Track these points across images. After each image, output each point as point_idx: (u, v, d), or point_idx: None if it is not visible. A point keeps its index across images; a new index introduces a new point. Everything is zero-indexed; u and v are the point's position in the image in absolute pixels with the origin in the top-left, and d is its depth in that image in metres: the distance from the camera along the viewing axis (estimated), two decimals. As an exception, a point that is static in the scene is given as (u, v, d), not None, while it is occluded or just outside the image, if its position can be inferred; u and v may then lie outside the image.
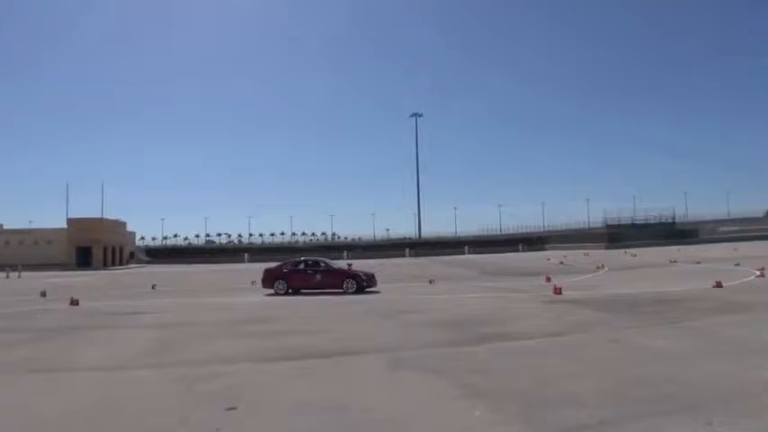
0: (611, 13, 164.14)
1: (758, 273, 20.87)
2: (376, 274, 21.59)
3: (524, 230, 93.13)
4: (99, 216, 66.88)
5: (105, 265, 62.92)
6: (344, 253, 75.49)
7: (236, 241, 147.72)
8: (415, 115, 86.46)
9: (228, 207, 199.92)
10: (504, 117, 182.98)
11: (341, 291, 19.65)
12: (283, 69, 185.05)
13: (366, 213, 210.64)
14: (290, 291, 20.11)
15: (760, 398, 5.52)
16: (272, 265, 23.16)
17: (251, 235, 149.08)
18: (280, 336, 10.81)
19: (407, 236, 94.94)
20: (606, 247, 62.16)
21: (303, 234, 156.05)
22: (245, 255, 75.27)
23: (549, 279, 22.23)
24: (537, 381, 6.48)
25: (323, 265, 21.32)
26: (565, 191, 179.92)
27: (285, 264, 22.12)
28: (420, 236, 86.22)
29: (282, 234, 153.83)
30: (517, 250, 73.02)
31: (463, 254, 70.63)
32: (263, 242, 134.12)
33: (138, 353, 9.31)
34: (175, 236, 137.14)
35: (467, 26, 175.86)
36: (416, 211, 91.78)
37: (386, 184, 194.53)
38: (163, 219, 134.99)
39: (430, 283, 23.99)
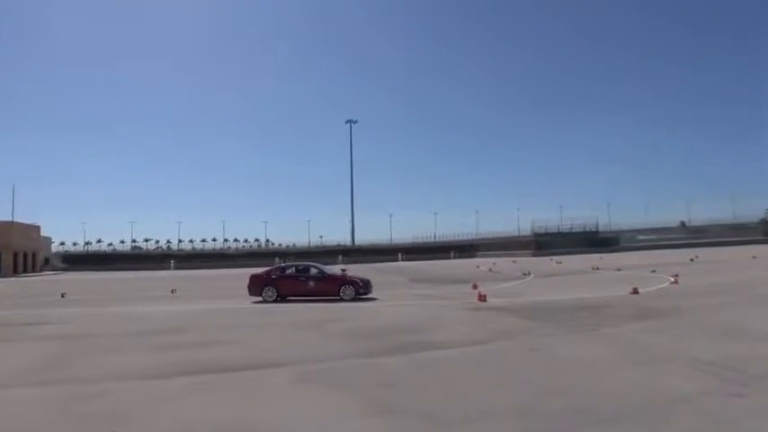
0: (546, 25, 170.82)
1: (672, 279, 21.62)
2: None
3: (458, 238, 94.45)
4: (9, 219, 61.86)
5: (16, 272, 58.25)
6: (276, 260, 73.84)
7: (164, 247, 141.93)
8: (350, 122, 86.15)
9: (157, 211, 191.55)
10: (439, 125, 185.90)
11: (336, 298, 18.60)
12: (215, 71, 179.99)
13: (302, 220, 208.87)
14: (279, 298, 18.94)
15: (675, 407, 5.31)
16: (259, 270, 21.78)
17: (180, 241, 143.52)
18: (187, 348, 10.05)
19: (342, 243, 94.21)
20: (533, 255, 64.02)
21: (236, 240, 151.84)
22: (171, 262, 72.23)
23: (475, 286, 22.07)
24: (449, 394, 6.16)
25: (315, 270, 20.02)
26: (497, 200, 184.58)
27: (274, 269, 20.90)
28: (354, 243, 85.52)
29: (214, 240, 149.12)
30: (449, 257, 73.83)
31: (396, 261, 70.64)
32: (193, 248, 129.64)
33: (23, 369, 8.43)
34: (99, 241, 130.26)
35: (411, 32, 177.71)
36: (351, 218, 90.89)
37: (323, 190, 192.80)
38: (84, 223, 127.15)
39: None
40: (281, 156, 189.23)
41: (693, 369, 6.88)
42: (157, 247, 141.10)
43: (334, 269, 24.10)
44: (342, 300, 18.42)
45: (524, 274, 31.28)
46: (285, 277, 19.72)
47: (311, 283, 19.30)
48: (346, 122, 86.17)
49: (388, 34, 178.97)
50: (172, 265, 70.40)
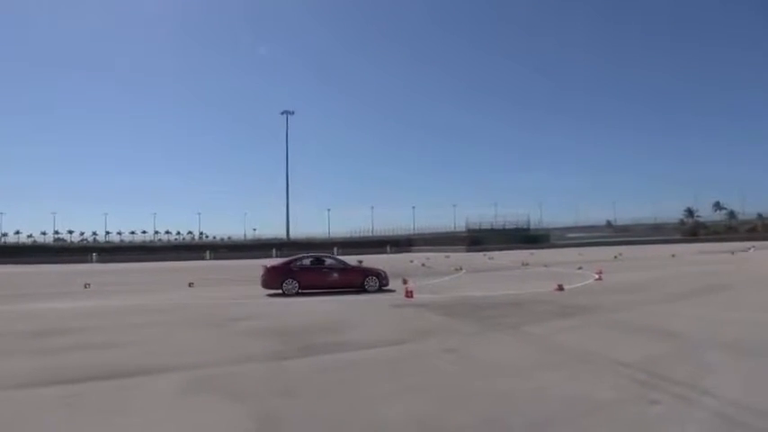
0: (498, 21, 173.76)
1: (597, 276, 21.88)
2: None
3: (395, 233, 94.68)
4: None
5: None
6: (207, 253, 71.22)
7: (90, 239, 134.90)
8: (286, 113, 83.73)
9: (84, 203, 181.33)
10: (380, 120, 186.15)
11: (359, 290, 18.39)
12: (148, 60, 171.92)
13: (239, 213, 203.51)
14: (301, 290, 18.12)
15: (591, 417, 4.77)
16: (276, 262, 21.18)
17: (108, 233, 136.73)
18: (78, 351, 8.93)
19: (279, 236, 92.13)
20: (467, 250, 64.80)
21: (167, 233, 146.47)
22: (93, 255, 68.19)
23: (405, 281, 21.60)
24: (349, 403, 5.52)
25: (335, 262, 19.80)
26: (436, 196, 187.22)
27: (294, 261, 19.73)
28: (289, 236, 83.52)
29: (144, 232, 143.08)
30: (385, 252, 73.63)
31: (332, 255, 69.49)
32: (121, 240, 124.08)
33: None
34: (17, 233, 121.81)
35: (355, 24, 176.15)
36: (286, 211, 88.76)
37: (261, 183, 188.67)
38: (2, 213, 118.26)
39: None
40: (217, 147, 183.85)
41: (613, 372, 6.48)
42: (83, 239, 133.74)
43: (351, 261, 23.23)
44: (366, 291, 18.31)
45: (456, 270, 31.21)
46: (307, 269, 18.98)
47: (335, 275, 18.91)
48: (282, 113, 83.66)
49: (334, 27, 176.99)
50: (93, 258, 66.53)
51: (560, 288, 16.94)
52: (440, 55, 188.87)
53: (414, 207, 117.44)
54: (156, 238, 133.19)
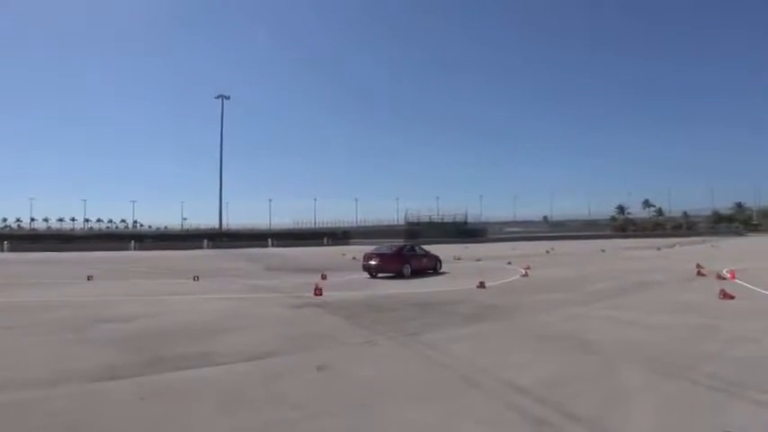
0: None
1: (523, 272, 21.10)
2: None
3: (336, 225, 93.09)
4: None
5: None
6: (132, 243, 67.12)
7: (13, 226, 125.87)
8: (222, 97, 79.61)
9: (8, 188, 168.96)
10: (324, 111, 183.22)
11: (433, 272, 22.02)
12: (82, 44, 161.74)
13: (177, 202, 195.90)
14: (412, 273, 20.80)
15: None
16: (389, 250, 22.62)
17: (33, 220, 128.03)
18: None
19: (216, 226, 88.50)
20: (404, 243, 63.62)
21: (99, 220, 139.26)
22: (5, 243, 62.75)
23: (324, 277, 20.07)
24: None
25: (421, 250, 22.90)
26: (378, 189, 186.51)
27: (404, 249, 22.59)
28: (221, 226, 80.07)
29: (74, 220, 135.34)
30: (323, 244, 71.83)
31: (266, 246, 67.50)
32: (48, 228, 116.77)
33: None
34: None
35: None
36: (228, 200, 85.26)
37: (202, 172, 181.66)
38: None
39: (194, 279, 20.30)
40: (153, 134, 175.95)
41: (500, 403, 5.11)
42: (5, 226, 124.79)
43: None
44: (437, 273, 21.82)
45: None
46: (413, 255, 22.01)
47: (424, 260, 22.23)
48: (216, 97, 79.58)
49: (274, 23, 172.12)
50: (5, 246, 61.20)
51: (482, 285, 15.84)
52: (387, 46, 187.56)
53: (356, 199, 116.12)
54: (86, 227, 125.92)
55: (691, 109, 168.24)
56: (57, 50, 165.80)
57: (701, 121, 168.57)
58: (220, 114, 78.92)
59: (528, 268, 23.15)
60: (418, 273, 21.24)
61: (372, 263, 21.10)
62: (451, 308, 11.84)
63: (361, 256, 36.95)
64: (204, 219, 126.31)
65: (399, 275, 20.32)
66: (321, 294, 14.74)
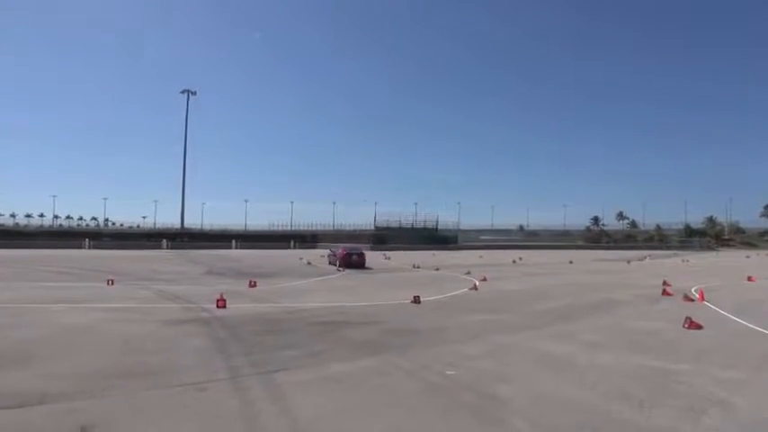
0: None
1: (476, 283, 19.14)
2: None
3: (315, 228, 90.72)
4: None
5: None
6: (86, 241, 63.66)
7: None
8: (187, 92, 76.28)
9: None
10: (307, 115, 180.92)
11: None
12: (50, 37, 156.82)
13: (151, 200, 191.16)
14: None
15: None
16: (340, 250, 32.36)
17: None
18: None
19: (192, 226, 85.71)
20: (372, 249, 61.52)
21: (68, 217, 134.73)
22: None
23: (254, 284, 17.88)
24: None
25: (359, 250, 33.07)
26: (356, 193, 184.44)
27: (350, 249, 32.70)
28: (183, 226, 76.78)
29: (42, 216, 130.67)
30: (289, 247, 69.36)
31: (230, 248, 64.88)
32: (16, 224, 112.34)
33: None
34: None
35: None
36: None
37: (178, 171, 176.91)
38: None
39: (108, 283, 17.99)
40: (127, 131, 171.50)
41: None
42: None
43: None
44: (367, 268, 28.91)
45: (338, 270, 27.76)
46: (354, 253, 31.47)
47: (363, 258, 31.46)
48: (182, 92, 76.32)
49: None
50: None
51: (416, 300, 13.67)
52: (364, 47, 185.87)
53: (334, 203, 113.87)
54: (56, 223, 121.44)
55: (667, 121, 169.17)
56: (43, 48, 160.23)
57: (677, 134, 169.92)
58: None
59: (484, 280, 21.32)
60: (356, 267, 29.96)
61: (354, 257, 30.87)
62: (356, 330, 9.63)
63: (317, 262, 35.15)
64: (177, 218, 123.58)
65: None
66: (224, 306, 12.50)
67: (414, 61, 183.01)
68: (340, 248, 33.23)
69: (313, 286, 19.00)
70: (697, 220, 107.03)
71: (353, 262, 30.27)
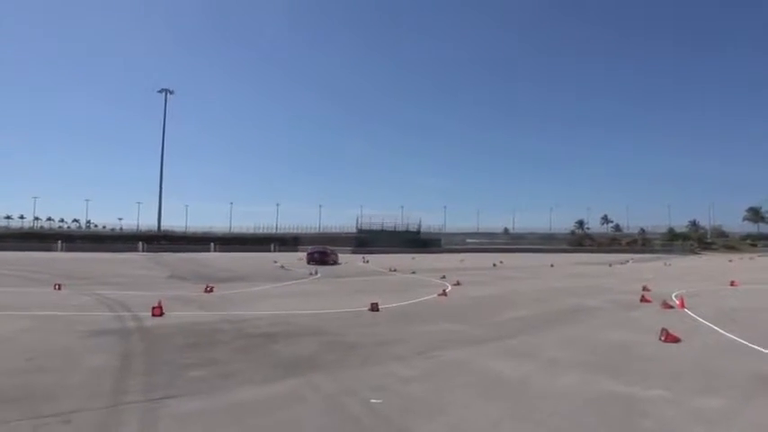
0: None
1: (447, 289, 18.14)
2: None
3: (300, 231, 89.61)
4: None
5: None
6: (58, 243, 61.81)
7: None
8: (165, 91, 74.69)
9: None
10: (291, 118, 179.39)
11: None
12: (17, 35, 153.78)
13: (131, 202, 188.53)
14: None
15: None
16: (310, 250, 39.87)
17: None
18: None
19: (175, 228, 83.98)
20: (353, 251, 60.56)
21: (49, 219, 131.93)
22: None
23: (210, 289, 16.77)
24: None
25: (329, 250, 40.01)
26: (340, 196, 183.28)
27: (316, 249, 39.42)
28: (160, 229, 74.96)
29: (22, 218, 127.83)
30: (269, 250, 68.04)
31: (208, 251, 63.53)
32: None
33: None
34: None
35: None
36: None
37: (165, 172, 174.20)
38: None
39: (56, 288, 16.82)
40: (112, 133, 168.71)
41: None
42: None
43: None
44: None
45: (311, 274, 26.72)
46: (321, 252, 38.33)
47: (333, 257, 38.75)
48: (159, 91, 74.63)
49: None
50: None
51: (375, 308, 12.57)
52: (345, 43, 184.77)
53: (320, 206, 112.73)
54: (36, 225, 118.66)
55: (652, 123, 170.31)
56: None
57: (662, 136, 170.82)
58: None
59: (457, 284, 20.32)
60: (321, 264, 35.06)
61: (315, 255, 37.32)
62: (292, 344, 8.48)
63: (291, 266, 34.01)
64: (167, 220, 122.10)
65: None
66: (160, 315, 11.37)
67: (403, 64, 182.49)
68: (309, 249, 40.32)
69: (275, 291, 17.85)
70: (681, 223, 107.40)
71: (316, 259, 36.16)
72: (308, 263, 35.50)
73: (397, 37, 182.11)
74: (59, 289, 16.74)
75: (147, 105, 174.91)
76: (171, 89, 74.84)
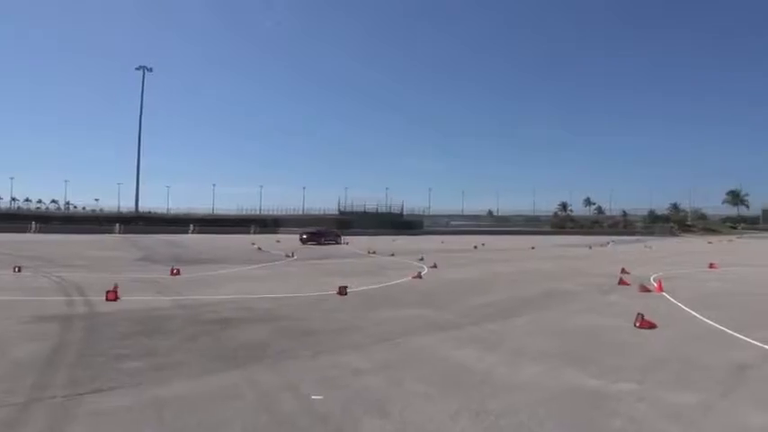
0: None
1: (422, 271, 17.67)
2: None
3: (284, 212, 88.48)
4: None
5: None
6: (32, 224, 60.31)
7: None
8: (143, 68, 72.74)
9: None
10: (277, 98, 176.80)
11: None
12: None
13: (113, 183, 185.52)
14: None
15: None
16: (312, 230, 42.75)
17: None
18: None
19: (156, 209, 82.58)
20: (334, 234, 59.91)
21: (27, 200, 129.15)
22: None
23: (177, 272, 16.12)
24: None
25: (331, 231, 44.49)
26: (326, 179, 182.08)
27: (320, 230, 43.17)
28: (138, 210, 73.55)
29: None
30: (248, 232, 67.18)
31: (187, 233, 62.52)
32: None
33: None
34: None
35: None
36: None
37: (146, 154, 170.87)
38: None
39: (15, 270, 16.17)
40: (95, 115, 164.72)
41: None
42: None
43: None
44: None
45: (286, 256, 26.14)
46: (324, 233, 42.35)
47: (331, 237, 42.32)
48: (137, 69, 72.67)
49: None
50: None
51: (342, 291, 12.06)
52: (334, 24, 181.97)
53: (304, 187, 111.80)
54: (13, 206, 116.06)
55: (633, 108, 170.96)
56: None
57: (644, 119, 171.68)
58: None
59: (434, 267, 19.87)
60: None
61: (304, 237, 40.14)
62: (245, 331, 7.99)
63: (269, 248, 33.37)
64: (149, 201, 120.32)
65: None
66: (114, 299, 10.74)
67: (389, 44, 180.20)
68: (301, 231, 43.02)
69: (245, 274, 17.26)
70: (662, 206, 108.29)
71: (307, 240, 39.87)
72: (304, 244, 38.28)
73: (384, 15, 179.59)
74: (19, 271, 16.05)
75: (129, 84, 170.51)
76: (149, 66, 72.70)
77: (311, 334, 7.72)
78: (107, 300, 10.70)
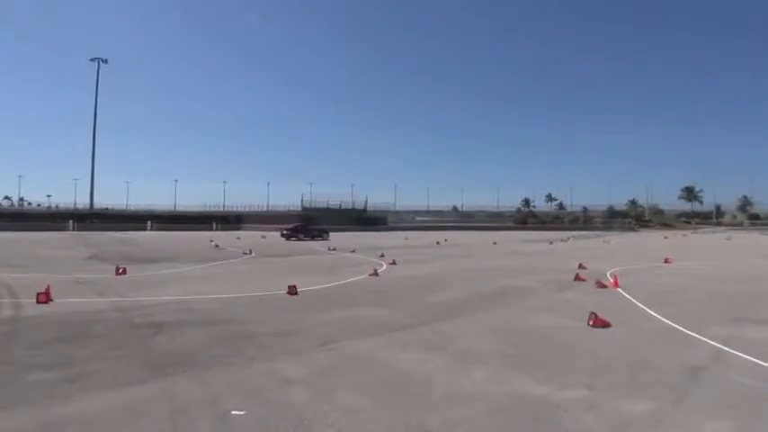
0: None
1: (379, 268, 17.33)
2: None
3: (247, 209, 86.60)
4: None
5: None
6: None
7: None
8: (98, 60, 70.08)
9: None
10: (242, 92, 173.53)
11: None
12: None
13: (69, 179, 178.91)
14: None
15: None
16: (292, 225, 43.23)
17: None
18: None
19: (115, 206, 79.65)
20: (296, 230, 59.05)
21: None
22: None
23: (122, 271, 15.30)
24: None
25: (313, 226, 45.30)
26: (295, 174, 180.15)
27: (300, 225, 44.31)
28: (92, 206, 70.99)
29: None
30: (211, 229, 65.70)
31: (145, 230, 60.72)
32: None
33: None
34: None
35: None
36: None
37: (105, 149, 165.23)
38: None
39: None
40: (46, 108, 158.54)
41: None
42: None
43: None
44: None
45: (245, 253, 25.46)
46: (306, 229, 42.66)
47: (315, 231, 42.61)
48: (92, 60, 69.93)
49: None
50: None
51: (293, 291, 11.57)
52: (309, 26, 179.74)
53: (268, 183, 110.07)
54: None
55: (594, 105, 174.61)
56: None
57: (606, 115, 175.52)
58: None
59: (393, 263, 19.56)
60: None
61: (285, 232, 40.94)
62: (180, 336, 7.44)
63: (226, 245, 32.49)
64: (107, 198, 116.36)
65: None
66: (46, 302, 10.04)
67: (354, 39, 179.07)
68: (283, 227, 43.42)
69: (195, 273, 16.55)
70: (621, 202, 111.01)
71: (288, 235, 40.46)
72: (287, 240, 39.67)
73: (347, 9, 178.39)
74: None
75: (87, 78, 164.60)
76: (104, 58, 70.08)
77: (250, 338, 7.24)
78: (38, 302, 10.04)
